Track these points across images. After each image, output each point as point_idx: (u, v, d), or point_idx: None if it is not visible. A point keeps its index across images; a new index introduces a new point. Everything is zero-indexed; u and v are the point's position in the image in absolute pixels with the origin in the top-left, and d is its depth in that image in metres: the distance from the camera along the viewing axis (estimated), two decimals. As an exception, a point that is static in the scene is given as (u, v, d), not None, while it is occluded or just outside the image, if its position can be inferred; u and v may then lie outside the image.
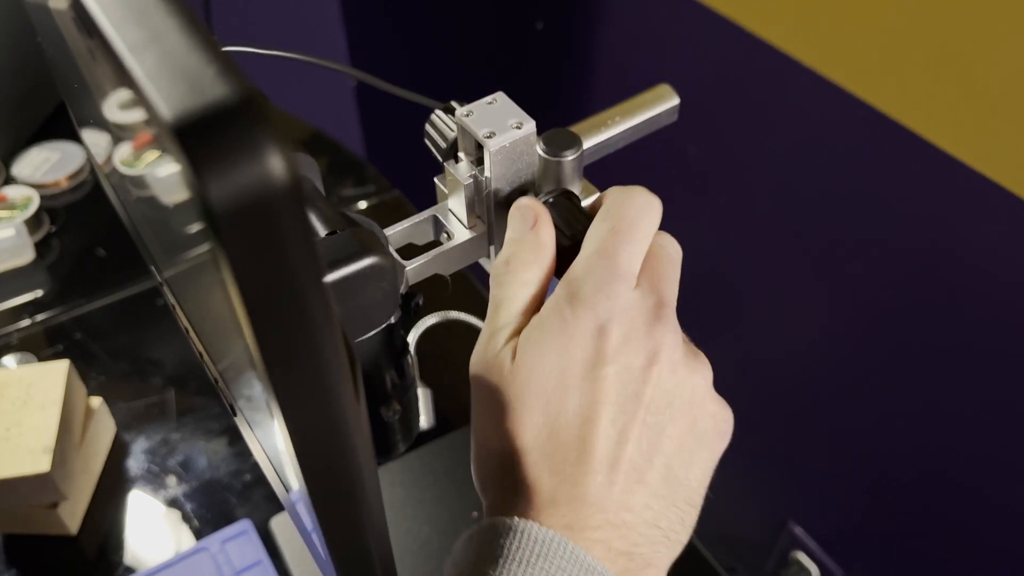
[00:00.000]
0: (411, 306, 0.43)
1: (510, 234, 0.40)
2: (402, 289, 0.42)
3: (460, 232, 0.45)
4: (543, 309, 0.37)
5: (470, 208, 0.44)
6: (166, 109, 0.17)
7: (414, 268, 0.43)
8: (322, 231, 0.39)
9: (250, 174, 0.17)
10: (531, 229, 0.40)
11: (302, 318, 0.20)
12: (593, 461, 0.35)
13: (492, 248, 0.46)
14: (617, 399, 0.36)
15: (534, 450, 0.36)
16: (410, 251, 0.44)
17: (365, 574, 0.29)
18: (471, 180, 0.43)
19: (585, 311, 0.36)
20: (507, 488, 0.36)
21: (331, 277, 0.36)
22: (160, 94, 0.18)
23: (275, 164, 0.17)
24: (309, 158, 0.43)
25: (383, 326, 0.40)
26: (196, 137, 0.17)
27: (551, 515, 0.35)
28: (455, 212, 0.45)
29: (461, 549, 0.36)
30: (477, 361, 0.38)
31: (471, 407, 0.39)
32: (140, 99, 0.18)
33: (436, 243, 0.45)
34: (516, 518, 0.34)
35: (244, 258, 0.18)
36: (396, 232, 0.45)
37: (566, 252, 0.40)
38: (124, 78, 0.19)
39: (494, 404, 0.37)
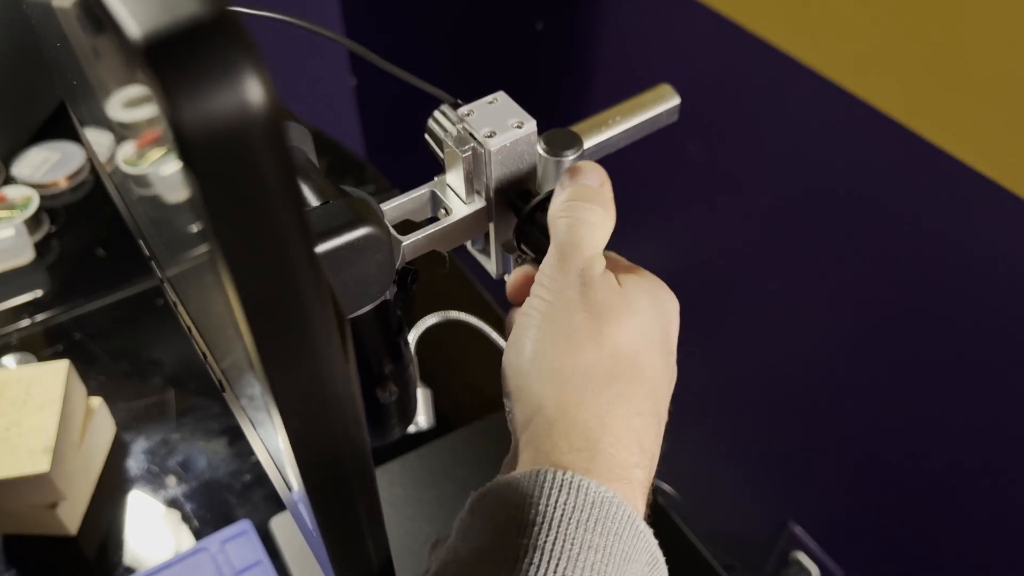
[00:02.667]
0: (407, 282, 0.42)
1: (579, 185, 0.39)
2: (398, 266, 0.42)
3: (458, 207, 0.44)
4: (633, 278, 0.38)
5: (468, 182, 0.43)
6: (135, 27, 0.16)
7: (411, 243, 0.42)
8: (315, 202, 0.38)
9: (225, 96, 0.16)
10: (600, 185, 0.40)
11: (281, 252, 0.18)
12: (663, 424, 0.37)
13: (492, 225, 0.45)
14: (670, 387, 0.38)
15: (619, 381, 0.35)
16: (408, 230, 0.43)
17: (360, 556, 0.28)
18: (469, 152, 0.42)
19: (671, 299, 0.39)
20: (582, 410, 0.35)
21: (323, 247, 0.34)
22: (129, 12, 0.16)
23: (252, 86, 0.16)
24: (302, 128, 0.42)
25: (378, 301, 0.39)
26: (167, 57, 0.16)
27: (623, 462, 0.34)
28: (453, 187, 0.44)
29: (494, 499, 0.33)
30: (569, 273, 0.37)
31: (523, 327, 0.37)
32: (107, 20, 0.17)
33: (434, 220, 0.44)
34: (570, 472, 0.32)
35: (219, 186, 0.17)
36: (393, 207, 0.44)
37: None
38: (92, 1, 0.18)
39: (592, 315, 0.36)
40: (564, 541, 0.30)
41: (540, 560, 0.30)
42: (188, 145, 0.16)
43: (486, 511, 0.33)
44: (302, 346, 0.20)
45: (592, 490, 0.31)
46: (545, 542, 0.30)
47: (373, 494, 0.26)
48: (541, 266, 0.38)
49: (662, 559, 0.34)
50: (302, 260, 0.19)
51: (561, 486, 0.31)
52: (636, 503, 0.34)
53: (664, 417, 0.37)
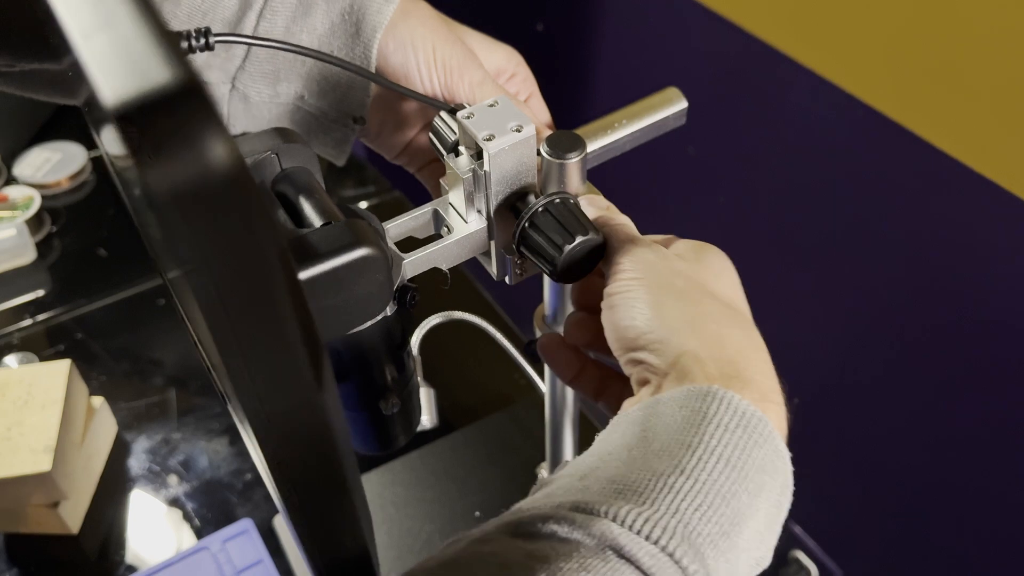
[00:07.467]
0: (407, 299, 0.43)
1: (599, 207, 0.44)
2: (401, 282, 0.42)
3: (459, 226, 0.45)
4: (679, 244, 0.44)
5: (469, 202, 0.44)
6: (108, 94, 0.17)
7: (412, 261, 0.43)
8: (317, 222, 0.39)
9: (189, 161, 0.17)
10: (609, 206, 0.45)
11: (251, 305, 0.20)
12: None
13: (492, 243, 0.45)
14: None
15: (745, 336, 0.40)
16: (411, 246, 0.44)
17: (342, 561, 0.28)
18: (470, 174, 0.43)
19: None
20: (724, 364, 0.38)
21: (323, 268, 0.35)
22: (104, 79, 0.17)
23: (215, 150, 0.17)
24: (308, 149, 0.43)
25: (378, 318, 0.40)
26: (136, 123, 0.17)
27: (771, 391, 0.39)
28: (455, 206, 0.45)
29: (645, 413, 0.36)
30: (646, 253, 0.41)
31: (630, 299, 0.39)
32: (86, 80, 0.18)
33: (437, 237, 0.45)
34: (717, 386, 0.36)
35: (189, 245, 0.18)
36: (396, 225, 0.45)
37: (565, 252, 0.41)
38: (73, 62, 0.19)
39: (687, 278, 0.40)
40: (717, 443, 0.35)
41: (700, 454, 0.35)
42: (157, 205, 0.17)
43: (645, 415, 0.37)
44: (273, 376, 0.21)
45: (743, 407, 0.36)
46: (702, 442, 0.35)
47: (350, 507, 0.27)
48: (612, 257, 0.41)
49: (791, 485, 0.39)
50: (269, 307, 0.20)
51: (719, 400, 0.36)
52: (781, 426, 0.39)
53: None
